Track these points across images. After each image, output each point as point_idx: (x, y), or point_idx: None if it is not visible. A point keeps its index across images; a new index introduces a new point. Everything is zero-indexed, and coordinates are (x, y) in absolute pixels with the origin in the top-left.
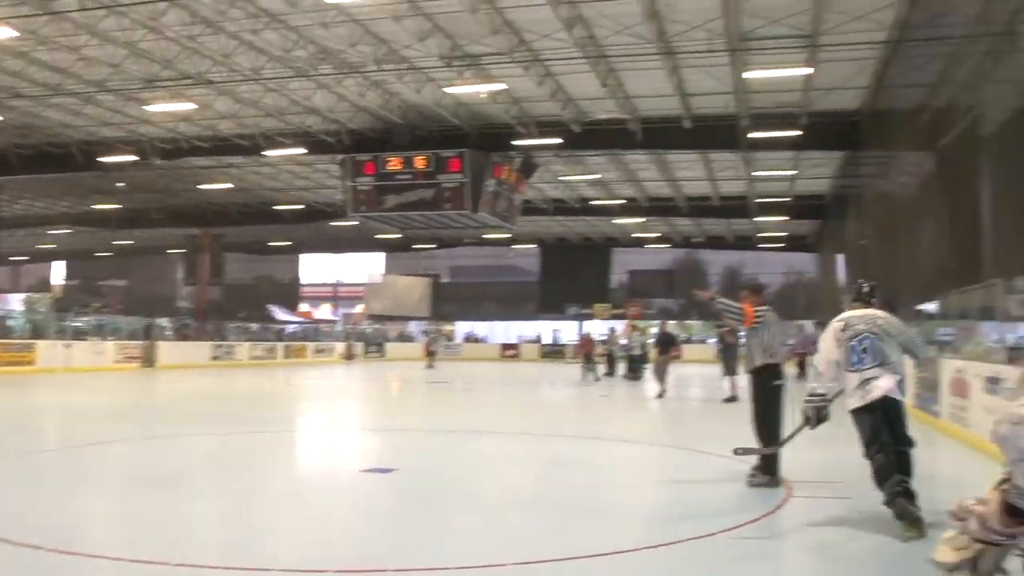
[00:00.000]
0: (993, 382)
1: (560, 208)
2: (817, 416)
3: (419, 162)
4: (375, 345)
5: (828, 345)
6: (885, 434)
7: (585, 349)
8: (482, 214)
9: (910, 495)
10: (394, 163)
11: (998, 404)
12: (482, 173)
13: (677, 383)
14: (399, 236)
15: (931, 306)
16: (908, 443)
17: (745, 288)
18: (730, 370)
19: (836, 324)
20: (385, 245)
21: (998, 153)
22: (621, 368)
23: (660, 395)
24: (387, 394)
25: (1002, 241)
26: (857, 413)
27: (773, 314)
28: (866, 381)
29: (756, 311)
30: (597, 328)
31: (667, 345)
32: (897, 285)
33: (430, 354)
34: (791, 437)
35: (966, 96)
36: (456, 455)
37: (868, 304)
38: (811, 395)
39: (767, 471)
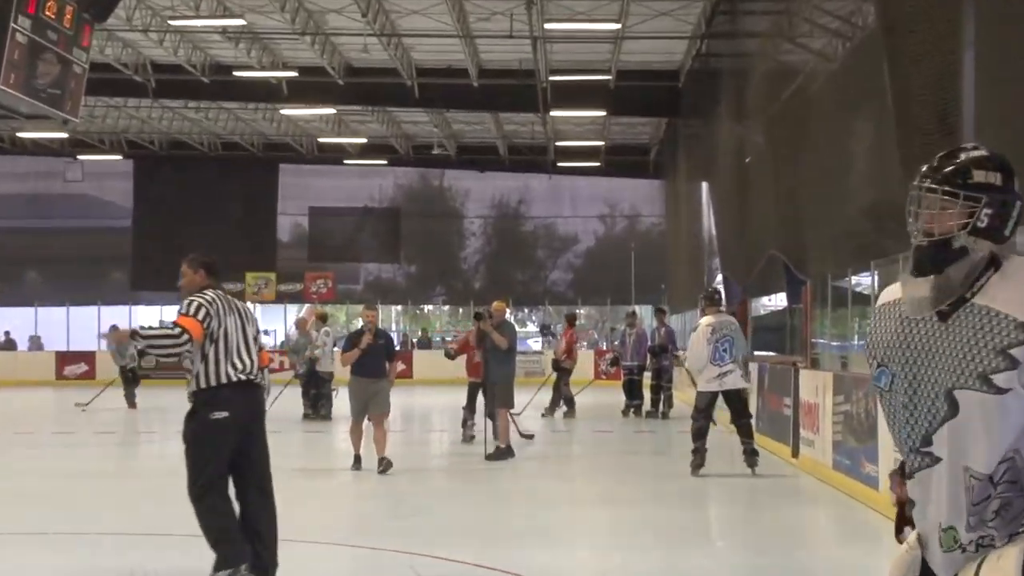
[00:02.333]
0: None
1: (171, 85)
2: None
3: None
4: None
5: (701, 346)
6: (711, 409)
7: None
8: (3, 91)
9: (754, 452)
10: None
11: None
12: (3, 8)
13: (405, 417)
14: None
15: (863, 279)
16: (748, 416)
17: (187, 262)
18: (501, 400)
19: (705, 328)
20: None
21: None
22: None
23: (355, 463)
24: None
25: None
26: (706, 393)
27: (222, 297)
28: (724, 374)
29: (195, 301)
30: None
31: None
32: (806, 242)
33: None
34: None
35: None
36: None
37: (720, 307)
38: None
39: None
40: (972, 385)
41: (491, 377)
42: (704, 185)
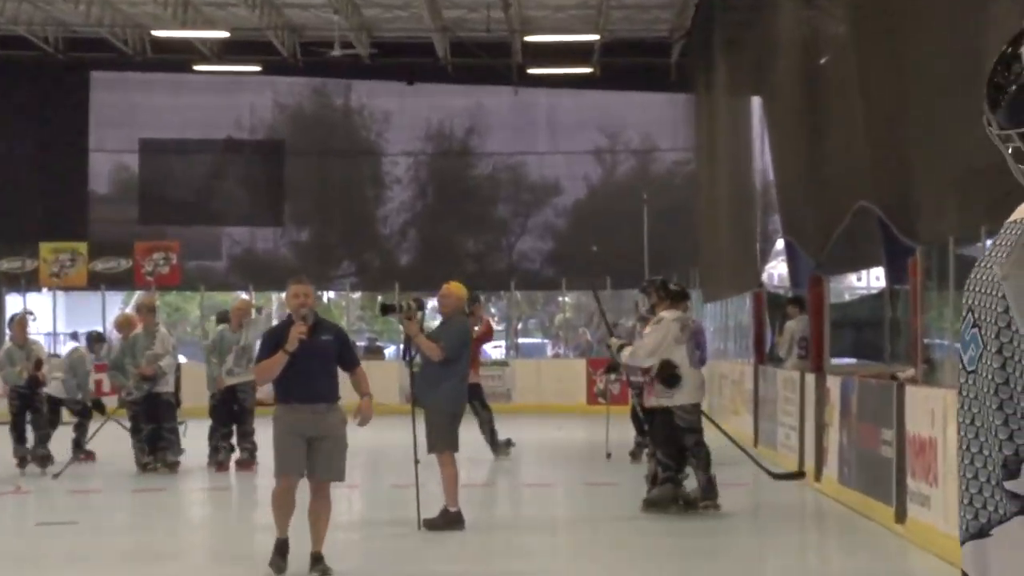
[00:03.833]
0: None
1: None
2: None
3: None
4: None
5: (663, 345)
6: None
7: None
8: None
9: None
10: None
11: None
12: None
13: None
14: None
15: None
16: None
17: None
18: (438, 439)
19: (673, 324)
20: None
21: None
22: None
23: (277, 554)
24: None
25: None
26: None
27: None
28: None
29: None
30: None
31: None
32: (916, 189)
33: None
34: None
35: None
36: None
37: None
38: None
39: None
40: None
41: (422, 401)
42: (755, 102)
